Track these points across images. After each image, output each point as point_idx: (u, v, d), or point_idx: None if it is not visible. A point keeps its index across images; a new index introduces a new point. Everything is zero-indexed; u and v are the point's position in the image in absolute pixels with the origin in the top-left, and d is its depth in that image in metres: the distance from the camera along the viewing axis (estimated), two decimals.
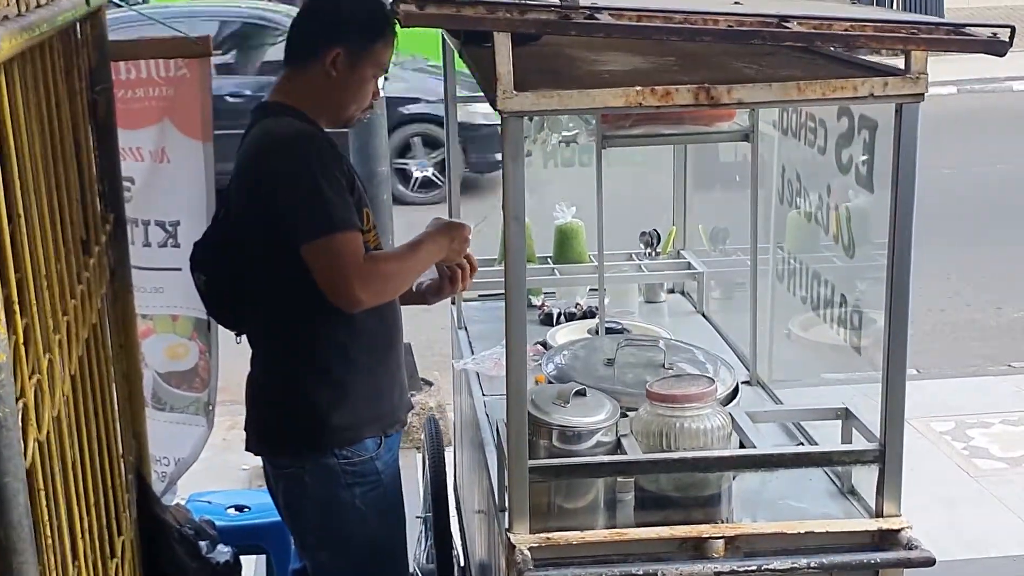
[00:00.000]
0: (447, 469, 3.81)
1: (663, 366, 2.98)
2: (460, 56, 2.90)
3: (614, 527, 2.59)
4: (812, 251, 3.09)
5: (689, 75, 2.39)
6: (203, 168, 3.68)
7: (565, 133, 4.19)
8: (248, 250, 2.98)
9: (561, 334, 3.77)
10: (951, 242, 8.64)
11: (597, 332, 3.67)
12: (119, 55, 3.38)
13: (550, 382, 3.00)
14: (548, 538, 2.46)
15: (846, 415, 2.80)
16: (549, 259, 4.33)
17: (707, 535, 2.49)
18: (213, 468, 5.10)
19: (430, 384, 6.39)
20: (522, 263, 2.33)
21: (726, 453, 2.58)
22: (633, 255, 4.32)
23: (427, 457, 3.93)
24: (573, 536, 2.48)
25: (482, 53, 2.46)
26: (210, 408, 3.84)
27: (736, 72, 2.43)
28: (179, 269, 3.49)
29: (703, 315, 4.11)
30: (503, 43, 2.18)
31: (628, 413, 2.73)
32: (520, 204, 2.28)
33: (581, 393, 2.66)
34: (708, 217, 4.36)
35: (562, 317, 4.04)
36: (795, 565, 2.48)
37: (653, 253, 4.30)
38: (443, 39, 3.85)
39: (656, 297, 4.28)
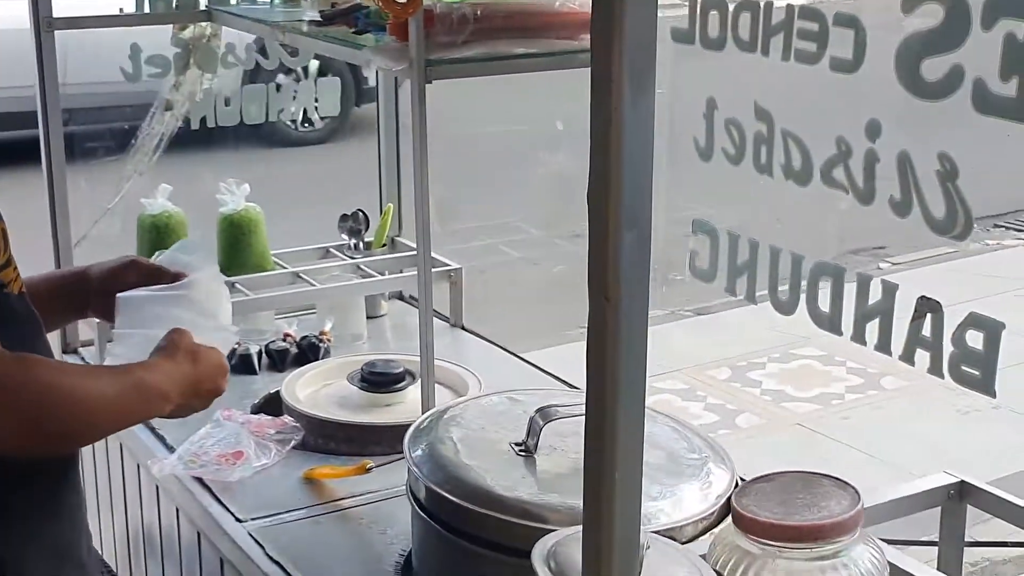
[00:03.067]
0: None
1: None
2: None
3: None
4: None
5: None
6: None
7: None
8: None
9: (301, 386, 2.38)
10: None
11: (364, 379, 2.32)
12: None
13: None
14: None
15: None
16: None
17: None
18: None
19: None
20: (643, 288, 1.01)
21: None
22: (331, 249, 2.96)
23: None
24: None
25: None
26: None
27: None
28: None
29: (464, 329, 2.84)
30: None
31: None
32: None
33: None
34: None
35: (264, 357, 2.63)
36: None
37: (362, 245, 2.97)
38: None
39: (378, 310, 2.95)
